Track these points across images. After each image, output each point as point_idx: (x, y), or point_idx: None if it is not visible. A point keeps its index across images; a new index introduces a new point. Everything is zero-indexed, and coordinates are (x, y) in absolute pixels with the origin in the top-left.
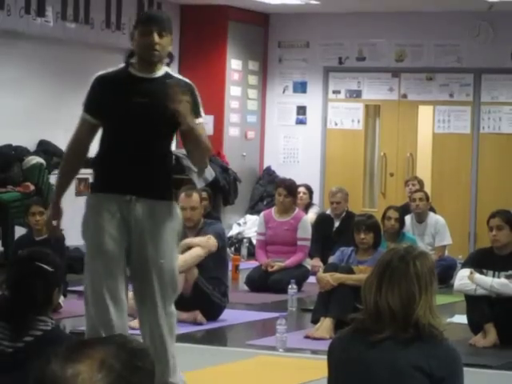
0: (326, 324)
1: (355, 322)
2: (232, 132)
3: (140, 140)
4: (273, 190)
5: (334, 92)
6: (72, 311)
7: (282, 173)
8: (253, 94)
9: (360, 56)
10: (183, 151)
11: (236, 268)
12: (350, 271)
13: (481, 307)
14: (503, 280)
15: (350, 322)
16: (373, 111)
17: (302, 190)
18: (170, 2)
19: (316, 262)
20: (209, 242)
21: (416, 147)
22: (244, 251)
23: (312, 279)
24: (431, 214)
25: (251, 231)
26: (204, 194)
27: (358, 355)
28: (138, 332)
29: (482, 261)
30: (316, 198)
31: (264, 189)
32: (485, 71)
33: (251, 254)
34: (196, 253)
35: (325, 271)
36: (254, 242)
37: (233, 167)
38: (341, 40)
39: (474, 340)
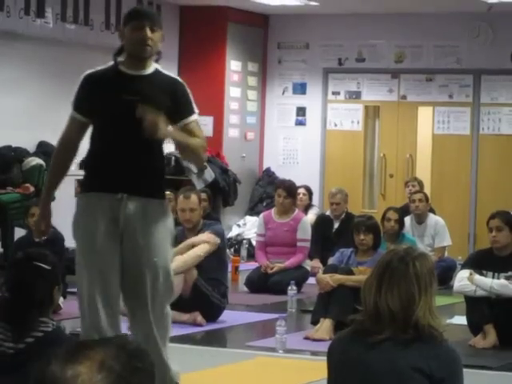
0: (325, 325)
1: (355, 323)
2: (231, 133)
3: (131, 138)
4: (272, 191)
5: (334, 93)
6: (71, 312)
7: (282, 174)
8: (252, 95)
9: (359, 57)
10: None
11: (236, 269)
12: (350, 272)
13: (480, 308)
14: (503, 281)
15: (350, 323)
16: (372, 112)
17: (301, 191)
18: (169, 3)
19: (316, 263)
20: (214, 238)
21: (416, 148)
22: (244, 252)
23: (312, 280)
24: (431, 215)
25: (251, 232)
26: (204, 195)
27: (358, 356)
28: None
29: (481, 262)
30: (316, 199)
31: (264, 190)
32: (484, 72)
33: (251, 255)
34: (195, 253)
35: (324, 272)
36: (254, 243)
37: (232, 168)
38: (340, 41)
39: (473, 341)
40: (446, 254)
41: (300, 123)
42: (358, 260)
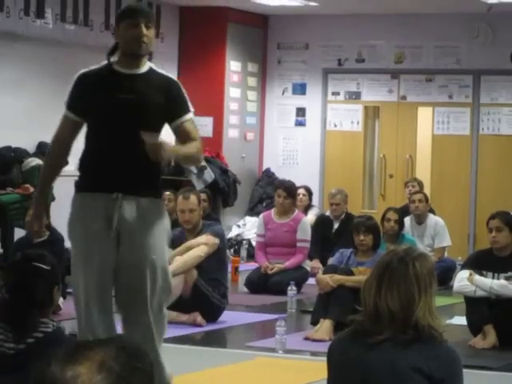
0: (325, 326)
1: (354, 324)
2: (231, 134)
3: (125, 137)
4: (272, 192)
5: (334, 94)
6: (71, 313)
7: (282, 174)
8: (252, 95)
9: (359, 58)
10: None
11: (235, 270)
12: (350, 273)
13: (480, 309)
14: (503, 281)
15: (350, 323)
16: (372, 113)
17: (301, 191)
18: (169, 4)
19: (315, 264)
20: (212, 239)
21: (415, 149)
22: (243, 253)
23: (311, 281)
24: (431, 216)
25: (251, 233)
26: (203, 196)
27: (358, 357)
28: None
29: (481, 262)
30: (315, 200)
31: (263, 190)
32: (484, 73)
33: (251, 256)
34: (196, 254)
35: (324, 273)
36: (254, 243)
37: (232, 169)
38: (340, 42)
39: (473, 341)
40: (446, 254)
41: (300, 124)
42: (358, 260)
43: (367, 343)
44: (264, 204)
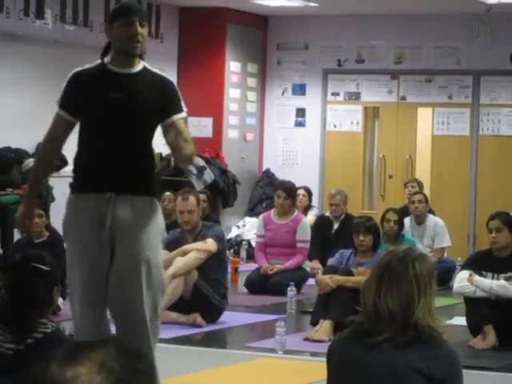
0: (325, 326)
1: (354, 324)
2: (231, 134)
3: (119, 137)
4: (272, 192)
5: (333, 94)
6: (71, 314)
7: (281, 175)
8: (252, 96)
9: (359, 58)
10: None
11: (235, 270)
12: (349, 273)
13: (480, 309)
14: (502, 282)
15: (349, 324)
16: (372, 113)
17: (301, 192)
18: (168, 4)
19: (315, 264)
20: (206, 245)
21: (415, 149)
22: (243, 253)
23: (311, 281)
24: (430, 216)
25: (250, 233)
26: (203, 197)
27: (357, 357)
28: None
29: (481, 263)
30: (315, 200)
31: (263, 191)
32: (484, 73)
33: (250, 257)
34: (197, 256)
35: (324, 273)
36: (254, 244)
37: (232, 169)
38: (340, 42)
39: (473, 342)
40: (446, 254)
41: (299, 124)
42: (358, 261)
43: (367, 344)
44: (264, 204)
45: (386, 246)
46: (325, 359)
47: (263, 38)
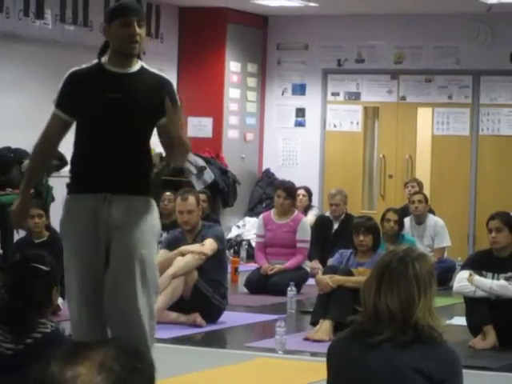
0: (325, 326)
1: (354, 324)
2: (231, 134)
3: (115, 137)
4: (272, 192)
5: (333, 94)
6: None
7: (281, 175)
8: (252, 96)
9: (359, 58)
10: None
11: (235, 270)
12: (349, 273)
13: (480, 309)
14: (502, 282)
15: (349, 324)
16: (372, 113)
17: (301, 192)
18: (168, 4)
19: (315, 264)
20: (202, 248)
21: (415, 149)
22: (243, 253)
23: (311, 281)
24: (430, 216)
25: (250, 233)
26: (203, 197)
27: (357, 357)
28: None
29: (481, 263)
30: (315, 200)
31: (263, 191)
32: (484, 73)
33: (250, 257)
34: (197, 256)
35: (324, 273)
36: (254, 244)
37: (232, 169)
38: (339, 42)
39: (473, 342)
40: (446, 254)
41: (299, 124)
42: (358, 261)
43: (367, 343)
44: (264, 204)
45: (386, 246)
46: (325, 359)
47: (263, 38)
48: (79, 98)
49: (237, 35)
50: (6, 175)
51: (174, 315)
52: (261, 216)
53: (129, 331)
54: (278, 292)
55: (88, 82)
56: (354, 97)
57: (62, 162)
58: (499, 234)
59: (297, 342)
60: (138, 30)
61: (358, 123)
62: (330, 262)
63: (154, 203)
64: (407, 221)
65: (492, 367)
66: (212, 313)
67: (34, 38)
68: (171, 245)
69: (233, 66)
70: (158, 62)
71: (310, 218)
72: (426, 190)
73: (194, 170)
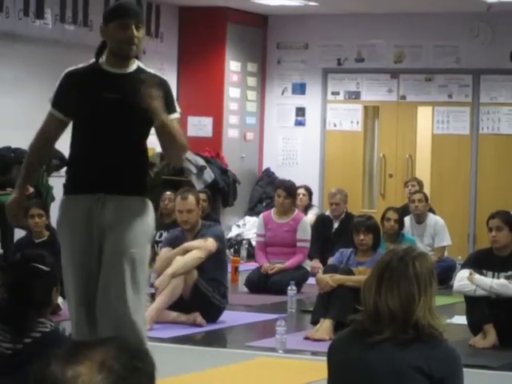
0: (325, 325)
1: (355, 323)
2: (231, 133)
3: (111, 137)
4: (272, 192)
5: (333, 93)
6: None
7: (282, 174)
8: (252, 95)
9: (359, 57)
10: None
11: (235, 270)
12: (350, 272)
13: (480, 308)
14: (503, 281)
15: (350, 323)
16: (372, 112)
17: (301, 191)
18: (168, 4)
19: (315, 264)
20: (207, 243)
21: (415, 148)
22: (243, 253)
23: (311, 280)
24: (430, 215)
25: (250, 233)
26: (203, 196)
27: (358, 356)
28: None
29: (481, 261)
30: (315, 200)
31: (263, 190)
32: (484, 72)
33: (251, 256)
34: (196, 255)
35: (324, 272)
36: (254, 243)
37: (232, 169)
38: (339, 41)
39: (473, 341)
40: (446, 253)
41: (299, 123)
42: (358, 260)
43: (367, 343)
44: (264, 204)
45: (387, 245)
46: (325, 358)
47: (263, 37)
48: (75, 97)
49: (237, 34)
50: (6, 175)
51: (174, 315)
52: (261, 215)
53: (119, 331)
54: (279, 291)
55: (84, 82)
56: (354, 96)
57: (63, 161)
58: (499, 233)
59: (297, 342)
60: (135, 32)
61: (358, 122)
62: (331, 261)
63: (149, 204)
64: (407, 220)
65: (492, 366)
66: (212, 312)
67: (34, 37)
68: (172, 244)
69: (233, 66)
70: (158, 61)
71: (311, 217)
72: (426, 189)
73: (194, 170)
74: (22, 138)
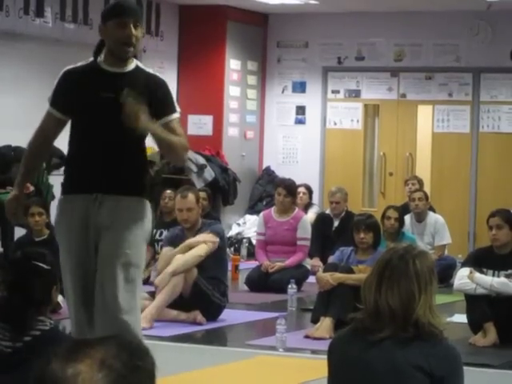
0: (325, 324)
1: (355, 322)
2: (231, 132)
3: (109, 137)
4: (272, 190)
5: (333, 92)
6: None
7: (282, 173)
8: (252, 94)
9: (359, 56)
10: None
11: (236, 268)
12: (350, 271)
13: (481, 306)
14: (503, 279)
15: (350, 321)
16: (372, 111)
17: (301, 189)
18: (168, 2)
19: (316, 262)
20: (210, 236)
21: (415, 147)
22: (244, 251)
23: (312, 279)
24: (431, 214)
25: (251, 231)
26: (203, 194)
27: (358, 355)
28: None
29: (481, 260)
30: (315, 198)
31: (263, 189)
32: (484, 70)
33: (251, 254)
34: (196, 253)
35: (324, 271)
36: (254, 242)
37: (232, 167)
38: (340, 40)
39: (473, 339)
40: (446, 252)
41: (300, 122)
42: (358, 258)
43: (367, 341)
44: (264, 202)
45: (387, 244)
46: (325, 357)
47: (263, 36)
48: (73, 96)
49: (237, 33)
50: (6, 173)
51: (174, 313)
52: (261, 214)
53: (112, 331)
54: (279, 290)
55: (82, 81)
56: (354, 94)
57: (63, 160)
58: (499, 232)
59: (297, 340)
60: (133, 31)
61: (358, 121)
62: (331, 259)
63: (146, 204)
64: (407, 218)
65: (492, 364)
66: (212, 310)
67: (34, 36)
68: (173, 242)
69: (233, 64)
70: (158, 59)
71: (311, 215)
72: (427, 188)
73: (195, 168)
74: (22, 136)
